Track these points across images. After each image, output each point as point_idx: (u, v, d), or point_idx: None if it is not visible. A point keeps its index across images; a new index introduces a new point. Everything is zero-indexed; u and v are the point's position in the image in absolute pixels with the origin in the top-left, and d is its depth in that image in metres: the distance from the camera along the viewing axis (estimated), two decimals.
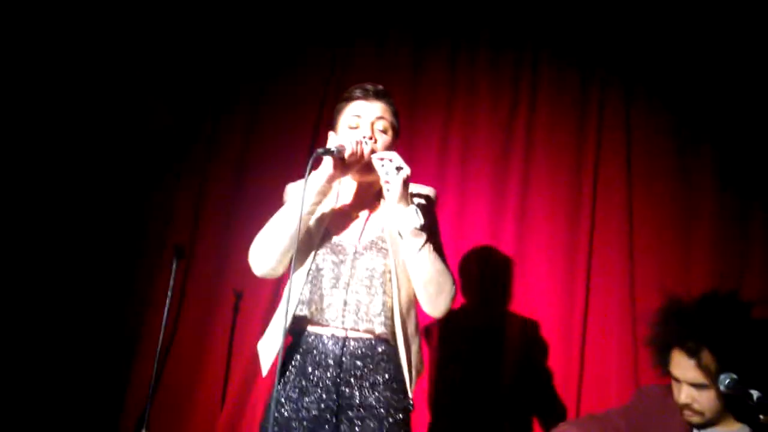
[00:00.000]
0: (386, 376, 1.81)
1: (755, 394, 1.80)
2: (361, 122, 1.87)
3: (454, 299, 1.85)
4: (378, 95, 1.91)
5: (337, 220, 1.90)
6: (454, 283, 1.84)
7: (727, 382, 1.82)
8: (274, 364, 1.83)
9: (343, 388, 1.78)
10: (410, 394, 1.83)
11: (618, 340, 2.73)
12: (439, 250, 1.84)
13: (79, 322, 3.21)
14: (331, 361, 1.79)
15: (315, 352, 1.81)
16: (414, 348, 1.86)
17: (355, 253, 1.84)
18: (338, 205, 1.94)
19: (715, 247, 2.74)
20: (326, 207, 1.88)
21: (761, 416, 1.80)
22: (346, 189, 1.96)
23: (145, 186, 3.38)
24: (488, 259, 2.92)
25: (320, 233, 1.86)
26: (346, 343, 1.80)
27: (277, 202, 3.08)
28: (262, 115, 3.36)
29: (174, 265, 2.90)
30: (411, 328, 1.85)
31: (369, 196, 1.95)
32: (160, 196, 3.38)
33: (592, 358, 2.75)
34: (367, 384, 1.79)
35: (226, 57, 3.43)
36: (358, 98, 1.90)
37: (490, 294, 2.87)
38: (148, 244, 3.34)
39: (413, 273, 1.80)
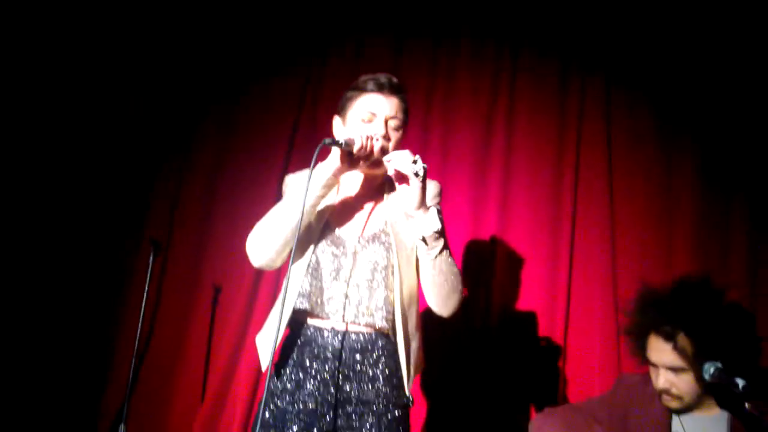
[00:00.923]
0: (386, 371, 1.78)
1: (740, 382, 1.80)
2: (375, 118, 1.81)
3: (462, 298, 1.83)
4: (393, 90, 1.84)
5: (338, 213, 1.87)
6: (462, 281, 1.82)
7: (711, 371, 1.83)
8: (275, 359, 1.81)
9: (341, 382, 1.75)
10: (408, 390, 1.80)
11: (601, 327, 2.73)
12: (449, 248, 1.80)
13: (55, 318, 3.16)
14: (329, 354, 1.76)
15: (313, 344, 1.78)
16: (414, 344, 1.83)
17: (357, 245, 1.81)
18: (340, 197, 1.90)
19: (696, 236, 2.75)
20: (327, 199, 1.84)
21: (747, 404, 1.81)
22: (347, 180, 1.90)
23: (122, 181, 3.33)
24: (470, 249, 2.90)
25: (321, 225, 1.82)
26: (346, 337, 1.77)
27: (253, 197, 3.12)
28: (239, 110, 3.33)
29: (151, 259, 2.85)
30: (412, 324, 1.82)
31: (372, 189, 1.91)
32: (137, 191, 3.33)
33: (575, 346, 2.75)
34: (366, 378, 1.76)
35: (208, 56, 3.39)
36: (373, 91, 1.82)
37: (473, 284, 2.86)
38: (125, 239, 3.29)
39: (429, 276, 1.75)
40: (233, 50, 3.36)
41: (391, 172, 1.70)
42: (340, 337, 1.77)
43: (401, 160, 1.66)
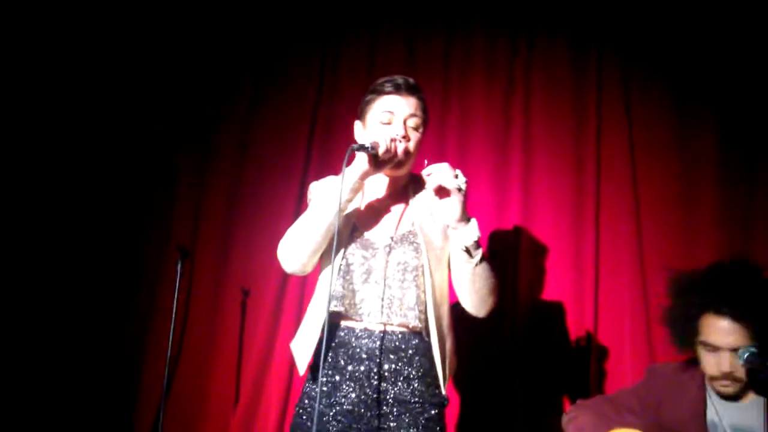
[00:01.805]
0: (421, 370, 1.80)
1: None
2: (394, 119, 1.84)
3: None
4: (410, 90, 1.87)
5: (365, 215, 1.89)
6: (498, 282, 1.87)
7: (746, 356, 1.82)
8: (309, 362, 1.84)
9: (376, 382, 1.77)
10: (444, 389, 1.82)
11: (631, 315, 2.70)
12: None
13: (86, 327, 3.20)
14: (364, 356, 1.78)
15: (348, 346, 1.80)
16: (448, 342, 1.85)
17: (387, 247, 1.82)
18: (365, 200, 1.92)
19: (720, 217, 2.71)
20: (353, 202, 1.86)
21: None
22: (371, 183, 1.92)
23: (146, 188, 3.36)
24: (493, 241, 2.89)
25: (349, 229, 1.84)
26: (380, 337, 1.78)
27: (275, 198, 3.13)
28: (259, 115, 3.31)
29: (179, 266, 2.88)
30: (445, 323, 1.85)
31: (396, 190, 1.94)
32: (161, 198, 3.35)
33: (605, 336, 2.72)
34: (402, 378, 1.78)
35: (223, 57, 3.39)
36: (389, 92, 1.86)
37: (498, 274, 2.84)
38: (151, 246, 3.31)
39: (467, 282, 1.80)
40: (246, 51, 3.36)
41: (431, 186, 1.73)
42: (374, 338, 1.78)
43: (443, 175, 1.71)
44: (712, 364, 1.91)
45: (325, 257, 1.84)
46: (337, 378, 1.79)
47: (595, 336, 2.72)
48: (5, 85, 3.16)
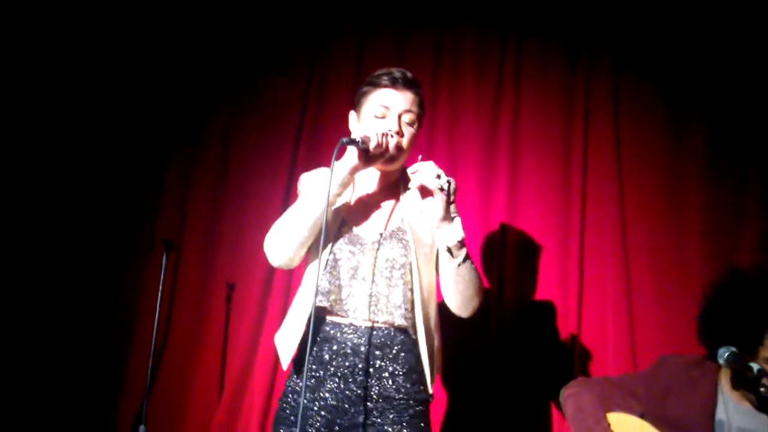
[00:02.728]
0: (406, 366, 1.79)
1: (755, 366, 1.82)
2: (389, 114, 1.82)
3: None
4: (407, 84, 1.84)
5: (354, 210, 1.87)
6: (482, 282, 1.85)
7: (726, 355, 1.84)
8: (293, 357, 1.82)
9: (362, 377, 1.76)
10: (430, 387, 1.81)
11: (614, 314, 2.72)
12: None
13: (69, 321, 3.18)
14: (349, 351, 1.77)
15: (333, 341, 1.78)
16: (436, 341, 1.84)
17: (375, 243, 1.81)
18: (355, 195, 1.90)
19: (708, 221, 2.72)
20: (343, 196, 1.84)
21: (762, 388, 1.82)
22: (362, 178, 1.90)
23: (132, 182, 3.34)
24: (479, 240, 2.90)
25: (337, 224, 1.82)
26: (366, 334, 1.77)
27: (261, 194, 3.12)
28: (246, 109, 3.31)
29: (164, 259, 2.88)
30: (432, 321, 1.84)
31: (387, 186, 1.92)
32: (147, 192, 3.34)
33: (589, 336, 2.74)
34: (387, 374, 1.77)
35: (212, 54, 3.37)
36: (386, 86, 1.83)
37: (484, 272, 2.86)
38: (135, 239, 3.30)
39: (451, 282, 1.78)
40: (235, 46, 3.35)
41: (414, 185, 1.71)
42: (359, 334, 1.77)
43: (426, 174, 1.68)
44: None
45: (312, 251, 1.82)
46: (321, 373, 1.78)
47: (579, 334, 2.73)
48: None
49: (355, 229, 1.84)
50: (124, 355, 3.18)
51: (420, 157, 1.76)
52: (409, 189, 1.82)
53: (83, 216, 3.28)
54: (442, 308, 1.89)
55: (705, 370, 2.03)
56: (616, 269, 2.76)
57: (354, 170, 1.76)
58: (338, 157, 1.69)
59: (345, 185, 1.78)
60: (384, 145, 1.74)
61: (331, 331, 1.79)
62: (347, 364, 1.77)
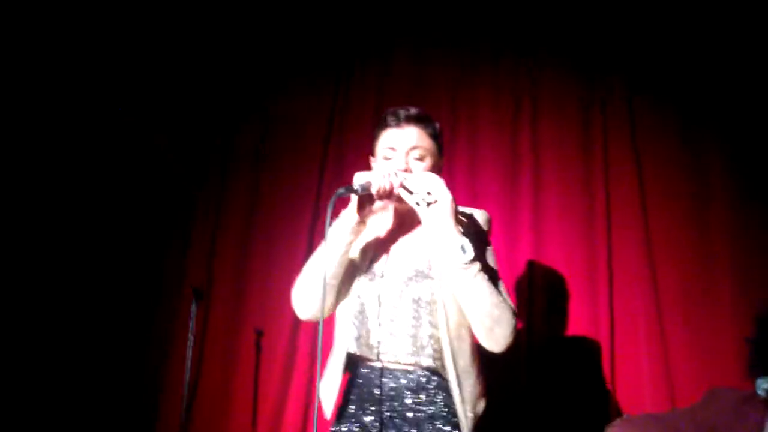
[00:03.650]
0: (444, 410, 1.75)
1: None
2: (395, 154, 1.80)
3: (514, 331, 1.70)
4: (410, 121, 1.81)
5: (379, 248, 1.85)
6: (515, 314, 1.72)
7: (765, 386, 1.79)
8: (336, 404, 1.82)
9: (399, 423, 1.74)
10: (468, 429, 1.75)
11: (647, 340, 2.67)
12: (493, 278, 1.72)
13: (101, 371, 3.22)
14: (384, 396, 1.75)
15: (370, 386, 1.77)
16: (468, 381, 1.77)
17: (399, 282, 1.78)
18: (381, 234, 1.88)
19: (735, 238, 2.67)
20: (368, 236, 1.82)
21: None
22: (386, 216, 1.89)
23: (161, 230, 3.40)
24: (505, 272, 2.88)
25: (365, 265, 1.81)
26: (399, 377, 1.76)
27: (288, 238, 3.15)
28: (270, 154, 3.38)
29: (193, 308, 2.91)
30: (464, 360, 1.76)
31: (409, 222, 1.87)
32: (176, 240, 3.39)
33: (623, 373, 2.68)
34: (423, 418, 1.74)
35: (233, 88, 3.46)
36: (390, 126, 1.82)
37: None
38: (164, 288, 3.35)
39: (465, 307, 1.69)
40: (255, 79, 3.43)
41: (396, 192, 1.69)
42: (393, 378, 1.76)
43: (406, 192, 1.68)
44: None
45: (340, 298, 1.82)
46: (365, 419, 1.77)
47: (612, 372, 2.68)
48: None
49: (381, 270, 1.81)
50: (156, 405, 3.20)
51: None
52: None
53: (114, 264, 3.34)
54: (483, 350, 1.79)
55: (754, 403, 1.98)
56: (645, 301, 2.70)
57: (360, 220, 1.75)
58: (336, 207, 1.66)
59: (356, 233, 1.77)
60: (388, 188, 1.69)
61: (367, 377, 1.79)
62: (384, 409, 1.75)
